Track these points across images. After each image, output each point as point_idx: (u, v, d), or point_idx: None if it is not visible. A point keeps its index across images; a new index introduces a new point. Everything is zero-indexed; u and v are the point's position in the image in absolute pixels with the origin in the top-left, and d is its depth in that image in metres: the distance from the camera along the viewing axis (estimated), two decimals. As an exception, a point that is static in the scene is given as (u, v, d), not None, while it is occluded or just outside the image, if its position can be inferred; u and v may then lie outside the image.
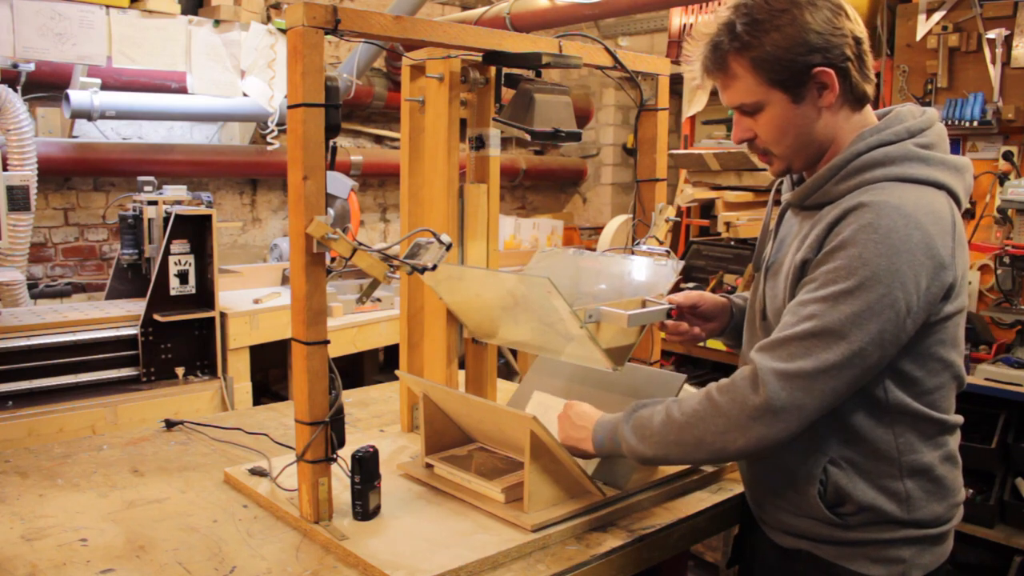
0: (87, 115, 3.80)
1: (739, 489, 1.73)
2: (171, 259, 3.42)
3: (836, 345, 1.25)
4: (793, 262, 1.37)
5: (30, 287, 3.85)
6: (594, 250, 2.07)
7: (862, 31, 1.36)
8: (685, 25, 4.40)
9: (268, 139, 4.34)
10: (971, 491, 2.95)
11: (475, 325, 1.83)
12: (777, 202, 1.58)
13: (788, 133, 1.38)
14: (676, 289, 1.79)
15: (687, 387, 1.76)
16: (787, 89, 1.34)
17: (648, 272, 1.81)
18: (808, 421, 1.28)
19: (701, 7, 4.28)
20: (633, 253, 2.05)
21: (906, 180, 1.31)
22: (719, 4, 4.20)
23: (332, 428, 1.52)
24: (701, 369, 3.92)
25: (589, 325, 1.54)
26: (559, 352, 1.70)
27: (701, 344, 3.67)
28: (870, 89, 1.39)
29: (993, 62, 3.33)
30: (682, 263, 1.79)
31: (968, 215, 3.30)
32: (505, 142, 5.62)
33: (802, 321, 1.28)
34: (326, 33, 1.42)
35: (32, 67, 3.67)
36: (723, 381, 1.34)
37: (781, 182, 1.59)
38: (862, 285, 1.24)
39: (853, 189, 1.33)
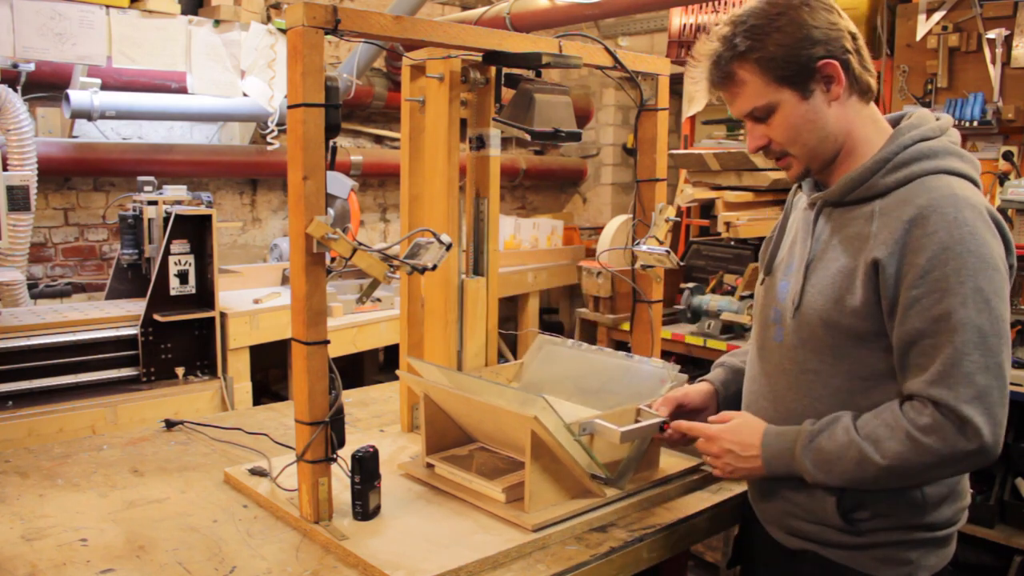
0: (87, 115, 3.80)
1: (739, 489, 1.73)
2: (171, 259, 3.42)
3: (995, 342, 1.27)
4: (864, 260, 1.34)
5: (30, 287, 3.85)
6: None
7: (855, 29, 1.40)
8: (685, 25, 4.40)
9: (268, 139, 4.34)
10: (971, 491, 2.95)
11: (470, 430, 1.81)
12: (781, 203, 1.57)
13: (802, 130, 1.39)
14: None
15: (679, 375, 1.76)
16: (795, 85, 1.36)
17: (647, 374, 1.81)
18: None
19: (701, 7, 4.27)
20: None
21: (951, 173, 1.34)
22: (719, 3, 4.20)
23: (332, 428, 1.52)
24: (701, 369, 3.91)
25: (583, 437, 1.56)
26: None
27: (702, 344, 3.69)
28: (873, 82, 1.42)
29: (993, 62, 3.34)
30: (676, 367, 1.78)
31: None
32: (505, 142, 5.60)
33: (952, 335, 1.26)
34: (326, 33, 1.42)
35: (32, 67, 3.67)
36: (921, 421, 1.28)
37: (799, 185, 1.57)
38: (979, 277, 1.26)
39: (903, 181, 1.34)
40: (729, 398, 1.68)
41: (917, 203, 1.30)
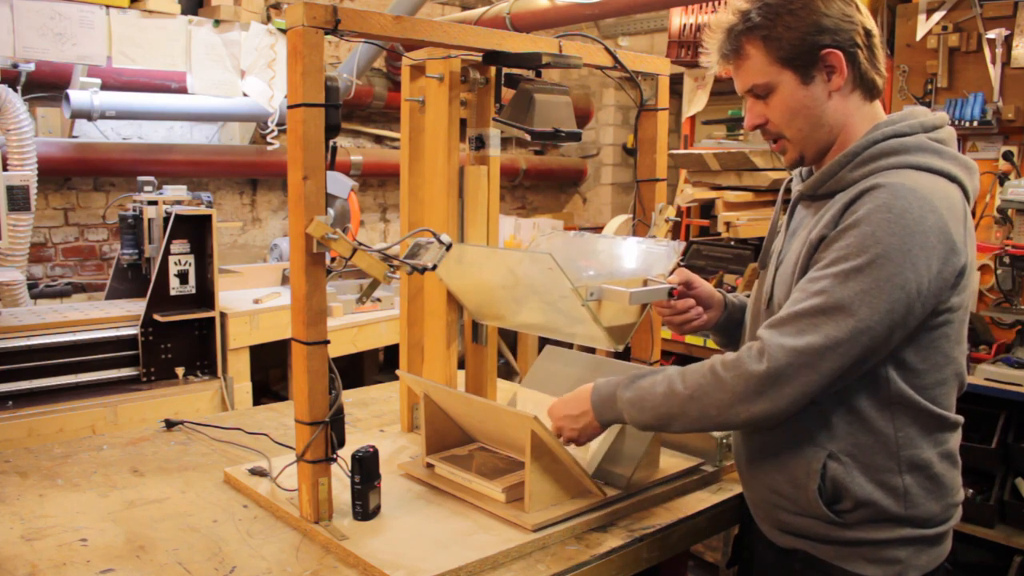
0: (87, 115, 3.80)
1: (739, 489, 1.73)
2: (171, 259, 3.42)
3: (843, 321, 1.26)
4: (808, 240, 1.37)
5: (30, 287, 3.85)
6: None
7: (872, 26, 1.40)
8: (685, 25, 4.40)
9: (268, 139, 4.34)
10: (971, 491, 2.95)
11: (476, 307, 1.82)
12: (786, 201, 1.59)
13: (798, 115, 1.40)
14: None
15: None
16: (796, 69, 1.38)
17: (649, 254, 1.81)
18: (811, 397, 1.29)
19: (701, 7, 4.27)
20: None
21: (920, 168, 1.33)
22: (719, 4, 4.20)
23: (332, 428, 1.52)
24: (701, 369, 3.92)
25: (591, 303, 1.55)
26: (559, 332, 1.70)
27: (702, 344, 3.70)
28: (880, 81, 1.42)
29: (993, 62, 3.33)
30: (683, 244, 1.79)
31: (968, 215, 3.29)
32: (505, 142, 5.61)
33: (811, 297, 1.29)
34: (326, 33, 1.42)
35: (32, 67, 3.67)
36: (728, 355, 1.35)
37: (791, 179, 1.59)
38: (872, 263, 1.25)
39: (868, 175, 1.34)
40: (732, 320, 1.71)
41: (860, 188, 1.32)
